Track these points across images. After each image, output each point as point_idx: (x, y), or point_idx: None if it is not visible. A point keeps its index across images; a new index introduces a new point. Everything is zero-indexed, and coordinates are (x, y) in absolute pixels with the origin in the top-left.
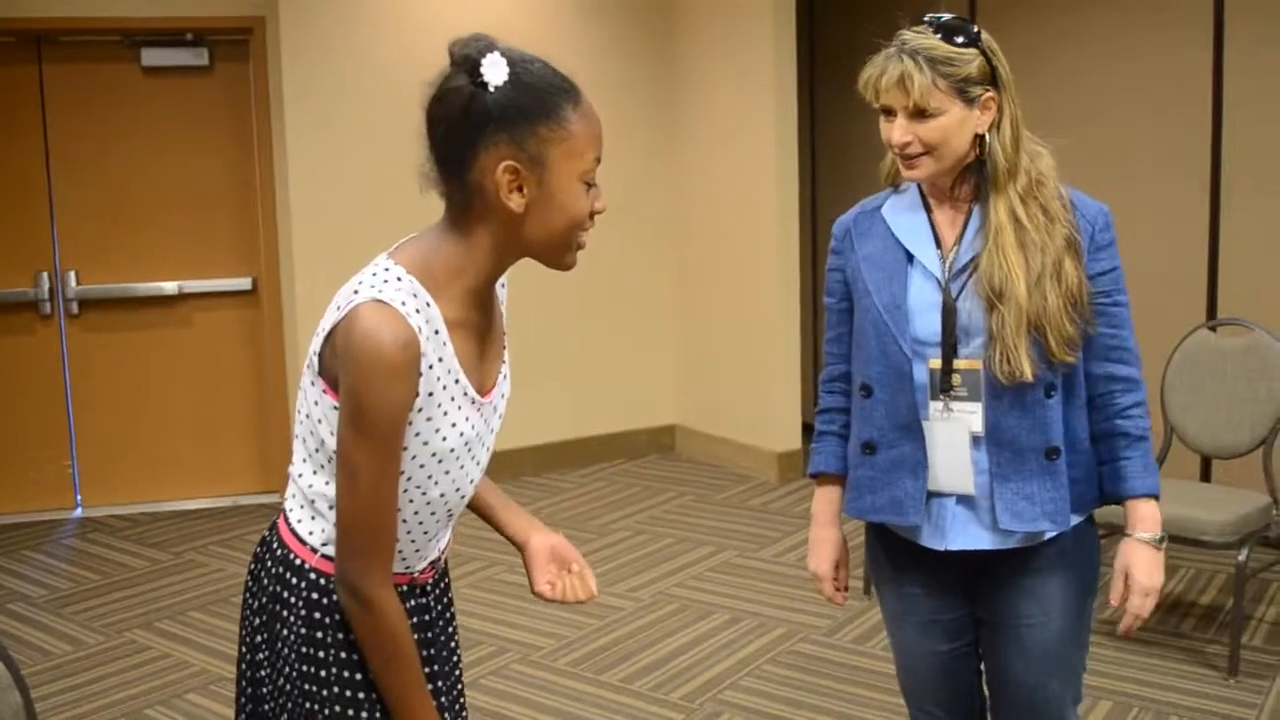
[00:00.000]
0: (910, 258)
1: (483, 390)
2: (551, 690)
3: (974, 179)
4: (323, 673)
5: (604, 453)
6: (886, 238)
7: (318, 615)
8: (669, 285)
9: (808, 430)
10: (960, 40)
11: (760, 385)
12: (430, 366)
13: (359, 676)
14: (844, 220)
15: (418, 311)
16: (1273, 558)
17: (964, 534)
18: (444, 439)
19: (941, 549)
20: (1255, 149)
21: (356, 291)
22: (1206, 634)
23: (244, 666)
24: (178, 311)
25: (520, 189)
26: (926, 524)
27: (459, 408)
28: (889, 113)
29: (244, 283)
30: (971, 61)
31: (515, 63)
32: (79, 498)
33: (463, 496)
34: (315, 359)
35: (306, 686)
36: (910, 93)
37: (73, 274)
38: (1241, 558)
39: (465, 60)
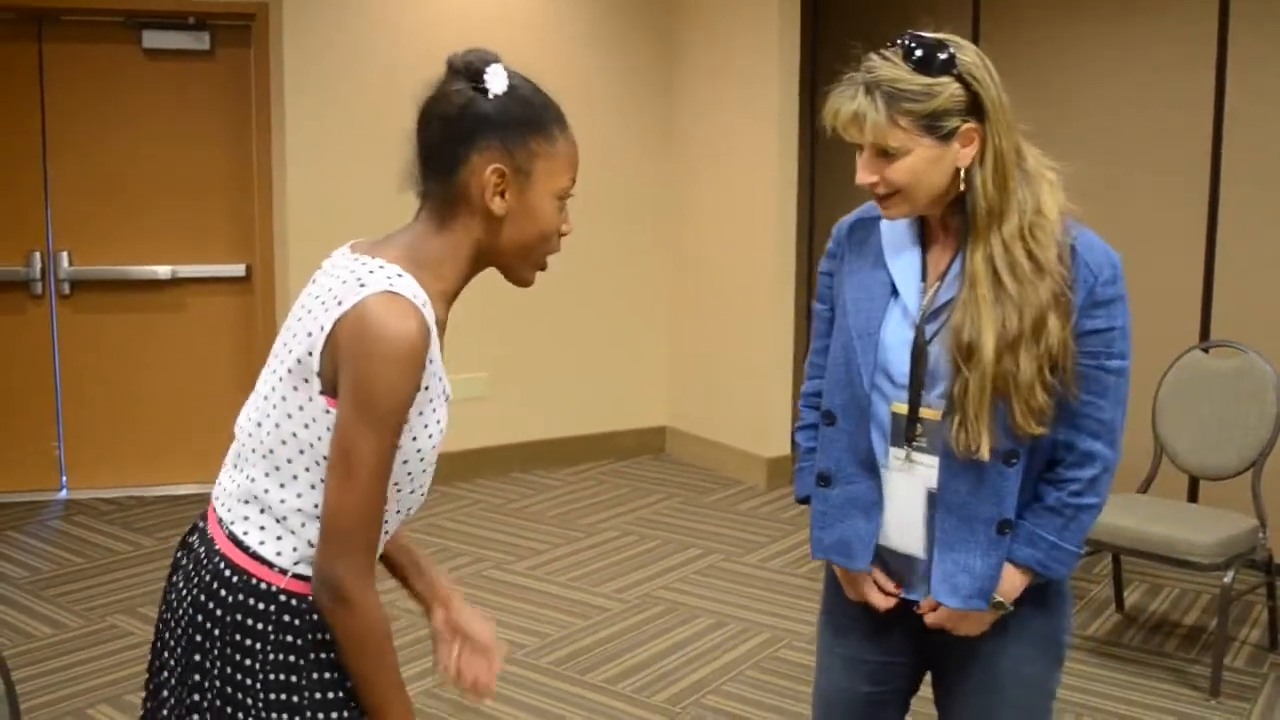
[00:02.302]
0: (895, 286)
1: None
2: (534, 689)
3: (962, 213)
4: (295, 698)
5: (593, 452)
6: (877, 255)
7: (289, 638)
8: (664, 286)
9: None
10: (934, 67)
11: (752, 390)
12: (431, 361)
13: (332, 695)
14: (842, 224)
15: (424, 306)
16: (1257, 580)
17: (907, 584)
18: (430, 436)
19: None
20: (1254, 172)
21: (363, 284)
22: (1189, 654)
23: (163, 696)
24: (170, 296)
25: (503, 194)
26: (876, 570)
27: (441, 404)
28: (859, 146)
29: (238, 269)
30: (941, 93)
31: (512, 77)
32: (64, 479)
33: (423, 495)
34: (311, 360)
35: (277, 716)
36: (864, 132)
37: (65, 254)
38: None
39: (468, 67)
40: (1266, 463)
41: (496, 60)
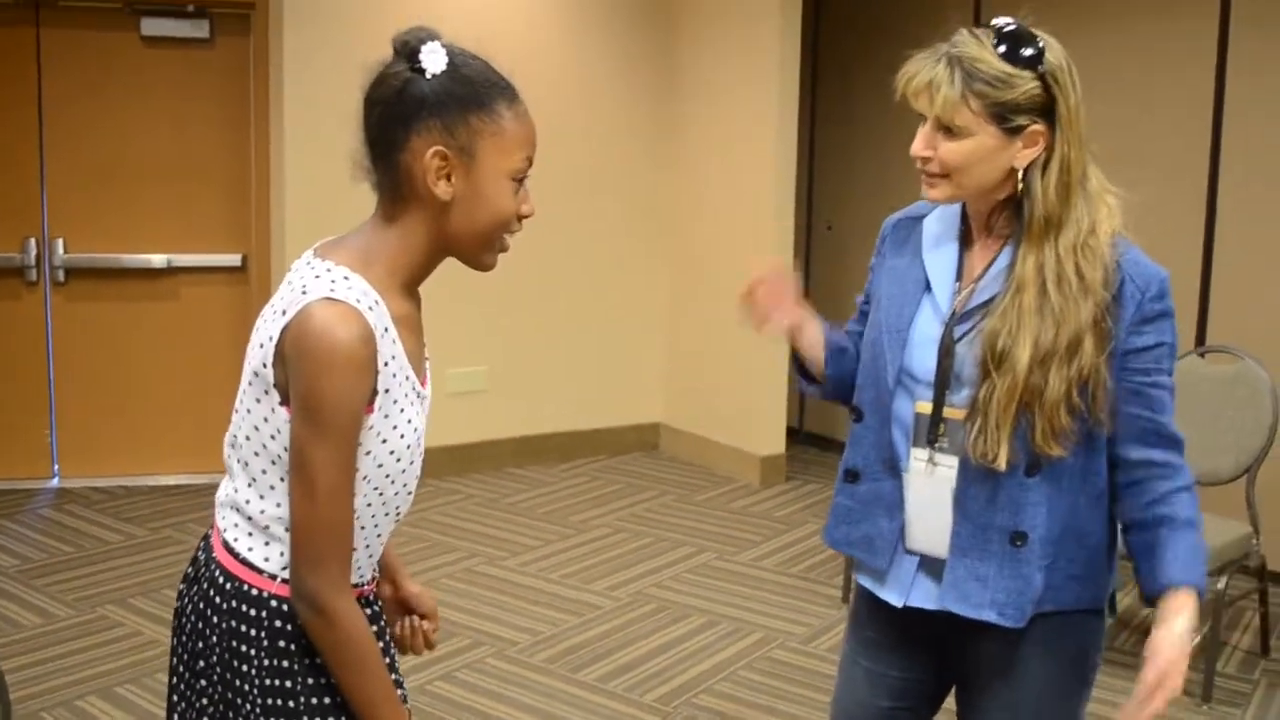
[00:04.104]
0: (929, 282)
1: (421, 383)
2: (526, 686)
3: (1013, 214)
4: (290, 703)
5: (588, 448)
6: (916, 251)
7: (282, 643)
8: (661, 283)
9: (792, 434)
10: (1019, 59)
11: (747, 388)
12: (385, 364)
13: (328, 700)
14: (889, 221)
15: (370, 309)
16: (1250, 586)
17: (926, 591)
18: (401, 436)
19: (900, 605)
20: (1253, 177)
21: (305, 292)
22: None
23: (182, 708)
24: (165, 285)
25: (448, 177)
26: (890, 574)
27: (410, 403)
28: (924, 117)
29: (234, 259)
30: (1021, 86)
31: (455, 55)
32: (56, 468)
33: (410, 494)
34: (266, 371)
35: None
36: (934, 103)
37: (60, 241)
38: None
39: (405, 47)
40: (1260, 469)
41: (434, 37)
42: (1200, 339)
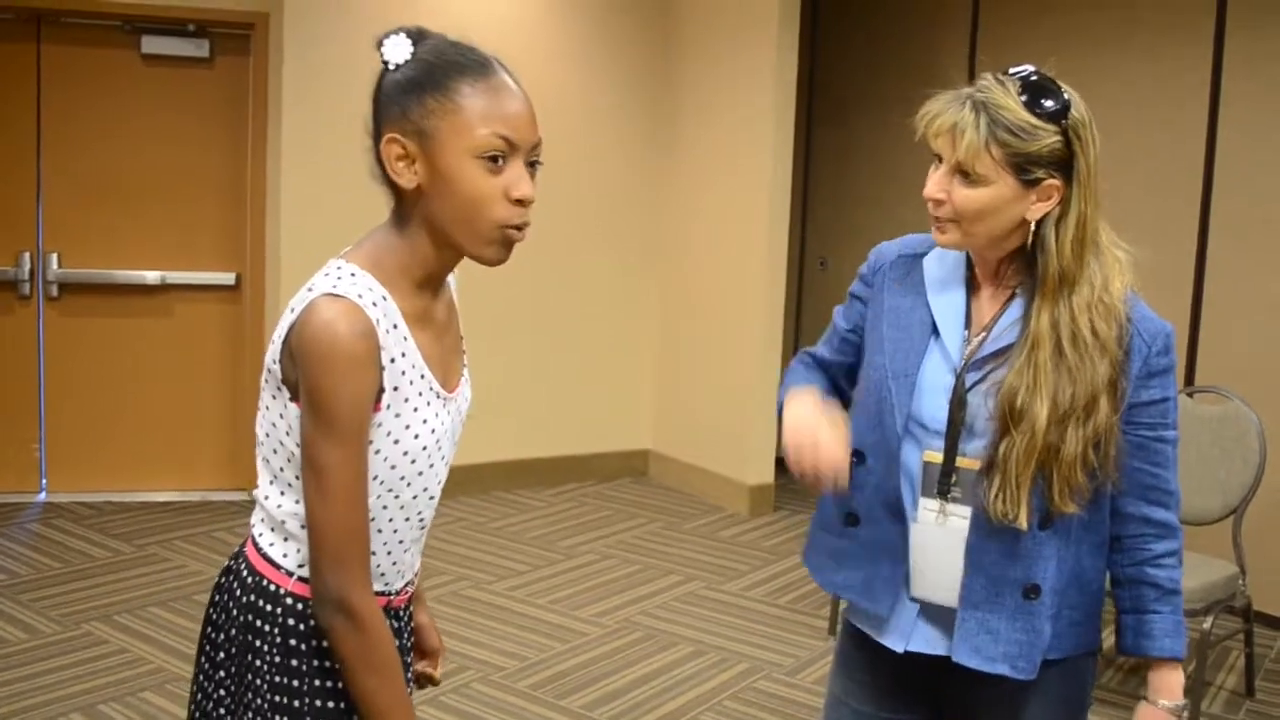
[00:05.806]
0: (936, 327)
1: (447, 386)
2: (511, 712)
3: (1024, 263)
4: (296, 703)
5: (576, 473)
6: (919, 294)
7: (293, 642)
8: (652, 309)
9: (781, 464)
10: (1042, 111)
11: (737, 416)
12: (393, 360)
13: (332, 705)
14: (885, 253)
15: (374, 305)
16: (1235, 626)
17: (928, 637)
18: (415, 436)
19: (901, 650)
20: (1244, 218)
21: (311, 289)
22: None
23: (199, 699)
24: (159, 301)
25: (412, 165)
26: (890, 620)
27: (427, 404)
28: (940, 158)
29: (228, 277)
30: (1044, 139)
31: (421, 43)
32: (44, 482)
33: (432, 499)
34: (276, 368)
35: (279, 719)
36: (956, 147)
37: (55, 256)
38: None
39: (378, 45)
40: (1248, 509)
41: (398, 31)
42: (1189, 379)
